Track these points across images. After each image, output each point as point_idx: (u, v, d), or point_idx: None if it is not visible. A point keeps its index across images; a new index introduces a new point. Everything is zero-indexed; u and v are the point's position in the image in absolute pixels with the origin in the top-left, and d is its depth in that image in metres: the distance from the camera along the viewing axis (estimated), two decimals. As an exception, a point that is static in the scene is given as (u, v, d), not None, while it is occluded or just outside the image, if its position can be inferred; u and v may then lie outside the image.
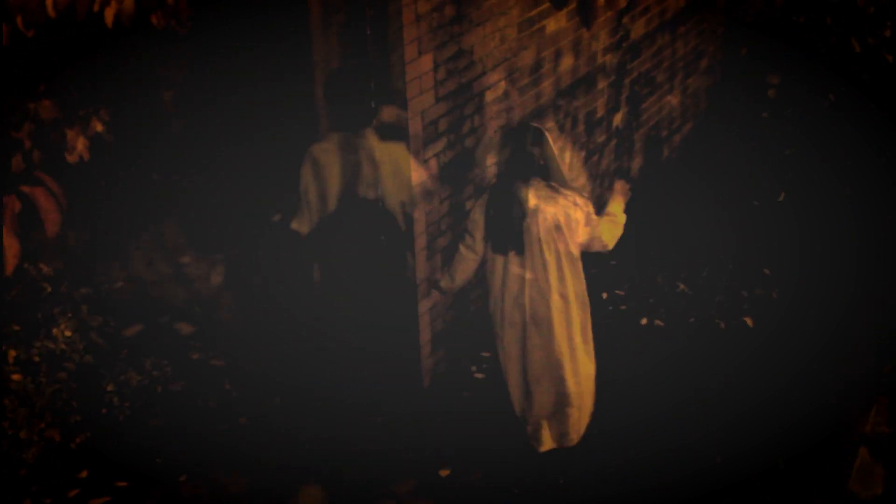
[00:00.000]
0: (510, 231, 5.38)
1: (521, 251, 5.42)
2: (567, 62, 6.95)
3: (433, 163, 5.99)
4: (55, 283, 5.66)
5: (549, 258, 5.41)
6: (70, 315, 5.77)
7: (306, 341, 6.41)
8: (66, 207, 3.65)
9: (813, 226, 7.62)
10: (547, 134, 5.35)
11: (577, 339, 5.61)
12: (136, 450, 5.81)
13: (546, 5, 6.56)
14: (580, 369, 5.67)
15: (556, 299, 5.47)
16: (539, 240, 5.38)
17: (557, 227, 5.37)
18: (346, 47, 5.45)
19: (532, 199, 5.35)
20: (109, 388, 5.84)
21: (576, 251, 5.47)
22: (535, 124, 5.44)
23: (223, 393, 6.33)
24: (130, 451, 5.80)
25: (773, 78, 8.30)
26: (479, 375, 6.54)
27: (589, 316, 5.64)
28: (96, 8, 3.21)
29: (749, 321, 6.87)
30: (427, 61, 5.74)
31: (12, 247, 3.20)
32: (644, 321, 6.92)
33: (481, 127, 6.31)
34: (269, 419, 6.09)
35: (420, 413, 6.18)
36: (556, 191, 5.38)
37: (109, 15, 3.20)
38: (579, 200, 5.41)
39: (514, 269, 5.47)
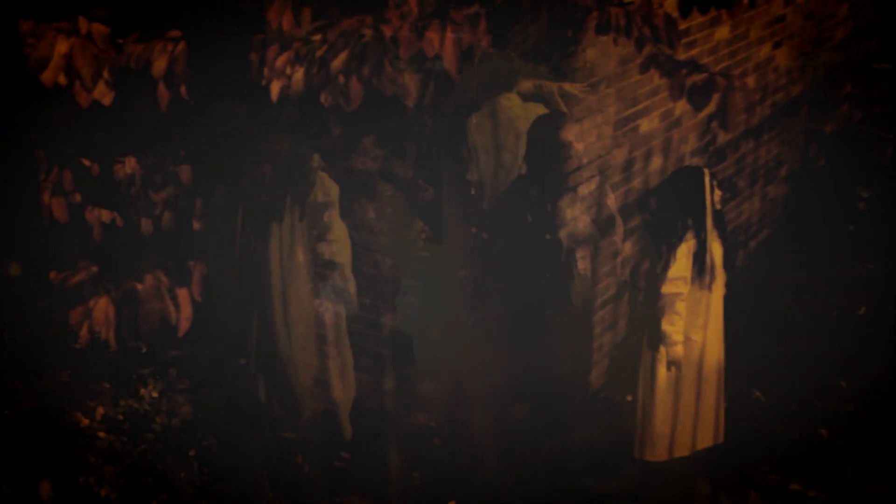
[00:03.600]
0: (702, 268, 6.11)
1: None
2: (656, 162, 7.03)
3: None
4: (151, 343, 5.73)
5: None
6: (158, 377, 5.83)
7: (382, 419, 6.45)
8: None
9: (893, 340, 7.57)
10: (707, 179, 6.00)
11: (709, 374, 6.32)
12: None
13: (641, 105, 6.67)
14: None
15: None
16: None
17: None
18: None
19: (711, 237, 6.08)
20: (192, 452, 5.87)
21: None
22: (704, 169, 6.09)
23: (296, 467, 6.34)
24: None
25: (862, 191, 8.33)
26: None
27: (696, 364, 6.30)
28: (264, 81, 3.33)
29: (824, 433, 6.81)
30: (528, 152, 5.84)
31: (186, 310, 3.27)
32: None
33: (573, 220, 6.37)
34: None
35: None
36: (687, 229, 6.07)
37: (276, 88, 3.32)
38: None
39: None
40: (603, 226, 6.64)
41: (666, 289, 6.12)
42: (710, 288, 6.16)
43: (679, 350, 6.21)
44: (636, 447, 6.43)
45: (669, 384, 6.31)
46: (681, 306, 6.12)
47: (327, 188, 5.80)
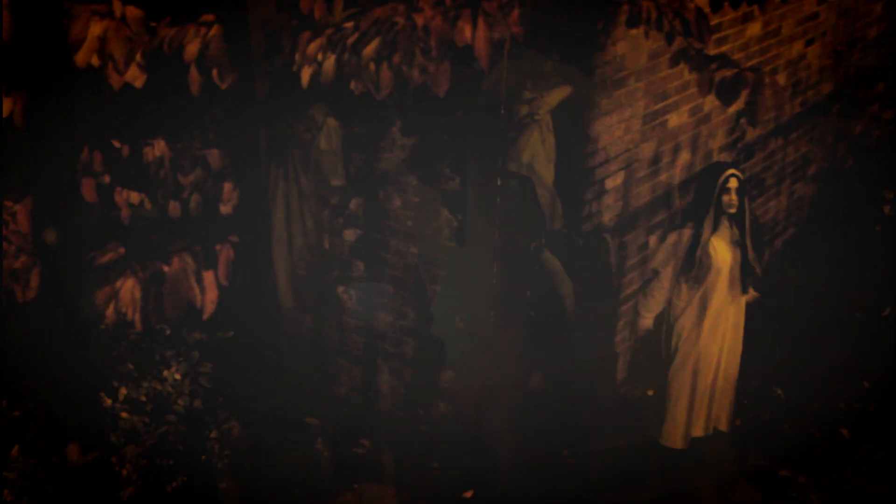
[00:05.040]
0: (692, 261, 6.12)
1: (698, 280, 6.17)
2: (684, 157, 7.01)
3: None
4: (175, 325, 5.77)
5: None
6: (182, 359, 5.87)
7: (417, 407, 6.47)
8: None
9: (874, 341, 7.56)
10: (720, 179, 5.97)
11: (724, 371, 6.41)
12: (228, 498, 5.87)
13: (671, 100, 6.65)
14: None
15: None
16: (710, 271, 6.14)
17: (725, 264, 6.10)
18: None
19: (706, 234, 6.07)
20: (213, 434, 5.90)
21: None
22: (735, 171, 6.03)
23: (316, 452, 6.37)
24: (223, 499, 5.86)
25: (889, 192, 8.28)
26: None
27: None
28: (294, 68, 3.35)
29: (845, 432, 6.79)
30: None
31: (212, 293, 3.29)
32: (738, 422, 6.87)
33: (598, 213, 6.37)
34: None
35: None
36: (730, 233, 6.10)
37: (306, 75, 3.33)
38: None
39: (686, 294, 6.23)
40: (629, 220, 6.64)
41: (651, 265, 6.35)
42: (698, 283, 6.19)
43: (644, 324, 6.39)
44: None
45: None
46: (655, 286, 6.28)
47: (331, 134, 5.85)
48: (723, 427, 6.60)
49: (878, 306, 7.95)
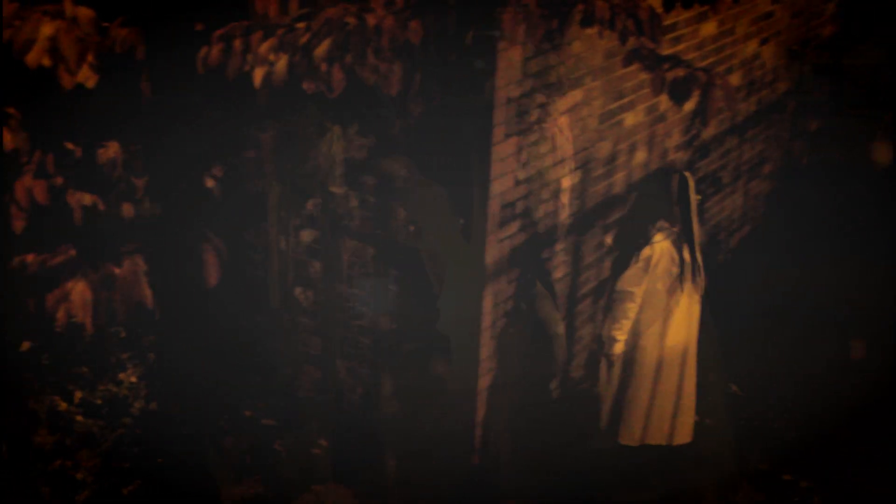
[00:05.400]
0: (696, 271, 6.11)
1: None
2: (640, 156, 7.05)
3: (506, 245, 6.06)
4: (130, 328, 5.73)
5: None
6: (137, 362, 5.83)
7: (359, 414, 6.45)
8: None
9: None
10: (691, 183, 5.98)
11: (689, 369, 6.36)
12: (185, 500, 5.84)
13: (627, 99, 6.68)
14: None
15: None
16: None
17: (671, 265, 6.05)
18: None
19: (658, 237, 6.02)
20: (169, 436, 5.87)
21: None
22: (686, 173, 6.05)
23: (273, 453, 6.35)
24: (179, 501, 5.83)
25: (843, 190, 8.37)
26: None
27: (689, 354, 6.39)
28: (247, 67, 3.34)
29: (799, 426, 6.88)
30: (511, 144, 5.84)
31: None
32: (707, 421, 6.92)
33: (554, 212, 6.39)
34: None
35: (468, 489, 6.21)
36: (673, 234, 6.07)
37: (259, 75, 3.32)
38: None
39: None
40: (585, 218, 6.66)
41: (619, 286, 6.15)
42: (681, 289, 6.18)
43: (618, 348, 6.23)
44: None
45: (621, 376, 6.34)
46: (629, 307, 6.14)
47: (333, 140, 5.85)
48: (689, 428, 6.60)
49: (833, 302, 8.03)
